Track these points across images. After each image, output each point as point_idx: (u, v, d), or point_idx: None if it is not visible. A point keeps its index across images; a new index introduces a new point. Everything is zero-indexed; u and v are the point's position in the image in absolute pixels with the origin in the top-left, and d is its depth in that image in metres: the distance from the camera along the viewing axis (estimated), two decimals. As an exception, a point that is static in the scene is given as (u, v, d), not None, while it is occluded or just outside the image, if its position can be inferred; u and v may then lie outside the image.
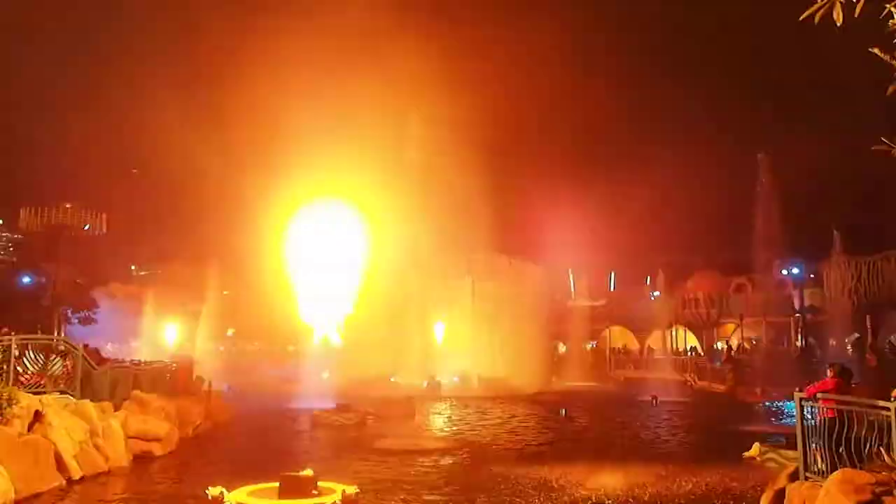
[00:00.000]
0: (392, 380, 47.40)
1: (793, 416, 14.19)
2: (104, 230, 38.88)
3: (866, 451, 10.44)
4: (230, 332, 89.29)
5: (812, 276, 63.72)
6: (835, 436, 11.12)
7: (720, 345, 75.24)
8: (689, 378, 50.85)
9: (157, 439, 20.27)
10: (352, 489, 13.80)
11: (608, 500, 15.01)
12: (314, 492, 13.30)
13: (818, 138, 61.55)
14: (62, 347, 20.77)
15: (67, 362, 20.16)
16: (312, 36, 55.02)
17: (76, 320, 46.11)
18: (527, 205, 66.21)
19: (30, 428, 16.07)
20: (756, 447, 20.52)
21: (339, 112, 51.33)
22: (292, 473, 13.87)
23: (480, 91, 55.03)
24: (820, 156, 58.97)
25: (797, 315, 58.88)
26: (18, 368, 18.49)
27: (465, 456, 21.56)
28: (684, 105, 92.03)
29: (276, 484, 13.48)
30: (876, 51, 6.15)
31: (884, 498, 9.26)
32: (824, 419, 11.68)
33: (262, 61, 59.77)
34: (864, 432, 10.65)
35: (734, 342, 64.99)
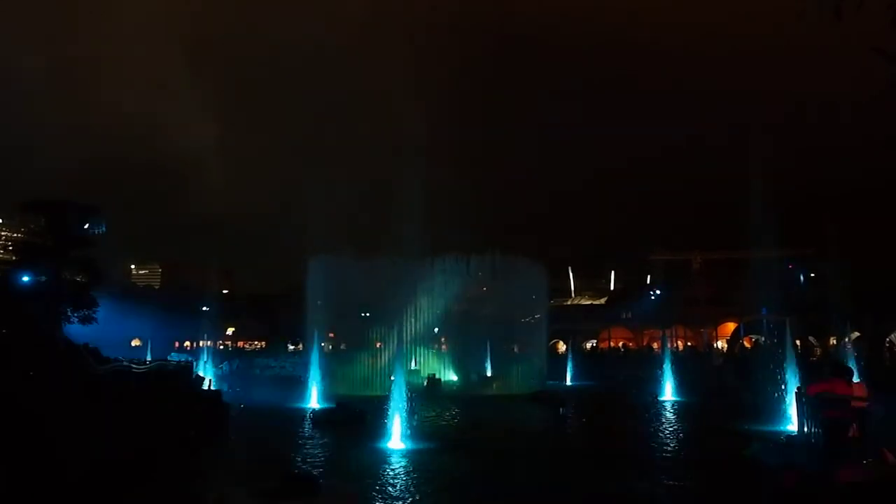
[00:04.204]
0: (392, 378, 47.39)
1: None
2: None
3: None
4: (230, 330, 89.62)
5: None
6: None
7: (720, 344, 75.41)
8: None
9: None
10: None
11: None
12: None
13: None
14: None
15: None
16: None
17: (76, 319, 46.07)
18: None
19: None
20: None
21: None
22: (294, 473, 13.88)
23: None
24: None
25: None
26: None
27: (463, 455, 21.58)
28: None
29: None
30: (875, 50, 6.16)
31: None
32: (825, 418, 11.71)
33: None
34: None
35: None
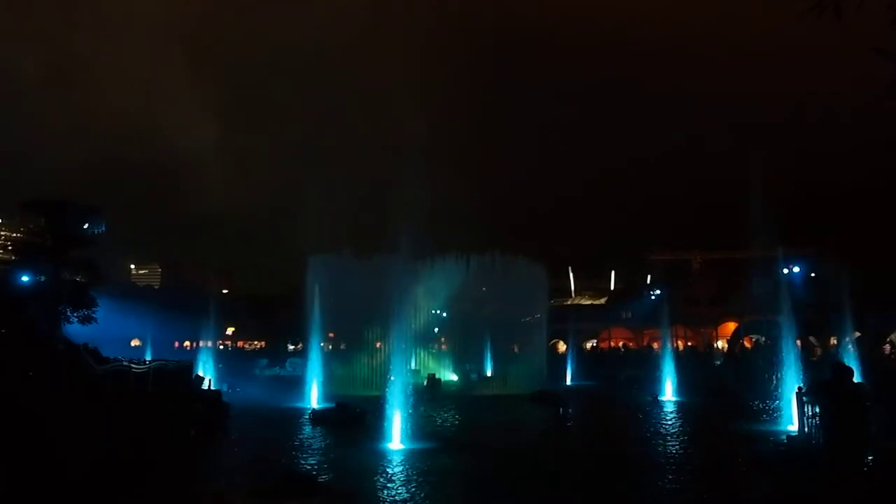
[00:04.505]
0: (391, 378, 47.35)
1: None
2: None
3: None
4: (230, 330, 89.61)
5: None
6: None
7: (720, 344, 75.40)
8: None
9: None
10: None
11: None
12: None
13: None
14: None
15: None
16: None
17: (76, 319, 45.94)
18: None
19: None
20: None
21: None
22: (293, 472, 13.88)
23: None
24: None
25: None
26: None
27: (463, 455, 21.58)
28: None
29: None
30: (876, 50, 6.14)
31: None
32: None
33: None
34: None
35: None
